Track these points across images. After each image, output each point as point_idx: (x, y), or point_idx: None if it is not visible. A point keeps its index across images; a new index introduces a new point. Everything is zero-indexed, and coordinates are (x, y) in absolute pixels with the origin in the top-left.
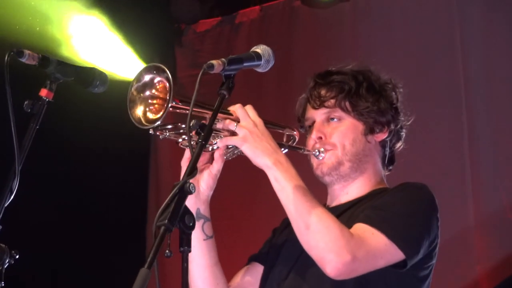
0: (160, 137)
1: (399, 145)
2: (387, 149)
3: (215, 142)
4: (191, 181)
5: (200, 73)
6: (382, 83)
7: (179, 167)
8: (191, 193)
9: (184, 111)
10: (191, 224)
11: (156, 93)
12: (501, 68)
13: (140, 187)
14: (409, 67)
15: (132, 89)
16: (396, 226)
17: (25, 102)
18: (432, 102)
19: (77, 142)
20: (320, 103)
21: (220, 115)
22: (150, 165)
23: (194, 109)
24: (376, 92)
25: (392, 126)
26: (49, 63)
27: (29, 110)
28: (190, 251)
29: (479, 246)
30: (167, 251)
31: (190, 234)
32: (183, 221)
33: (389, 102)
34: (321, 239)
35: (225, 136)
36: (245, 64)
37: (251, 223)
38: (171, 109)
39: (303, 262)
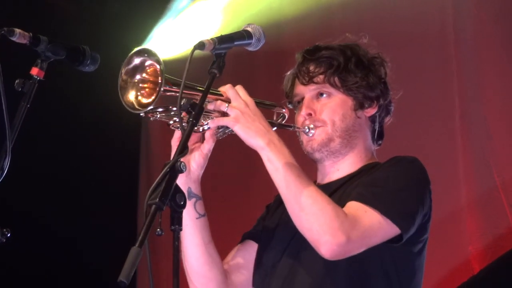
0: (151, 119)
1: (388, 119)
2: (377, 123)
3: (206, 123)
4: (182, 160)
5: (191, 51)
6: (370, 57)
7: (170, 146)
8: (182, 171)
9: (175, 94)
10: (182, 202)
11: (146, 76)
12: (492, 49)
13: (130, 166)
14: (400, 42)
15: (122, 73)
16: (389, 201)
17: (16, 81)
18: (423, 78)
19: (66, 120)
20: (309, 79)
21: (210, 96)
22: (141, 143)
23: (185, 91)
24: (365, 67)
25: (382, 101)
26: (40, 42)
27: (20, 89)
28: (181, 229)
29: (470, 226)
30: (158, 229)
31: (181, 212)
32: (174, 200)
33: (378, 77)
34: (316, 221)
35: (216, 117)
36: (236, 43)
37: (245, 200)
38: (163, 92)
39: (297, 243)
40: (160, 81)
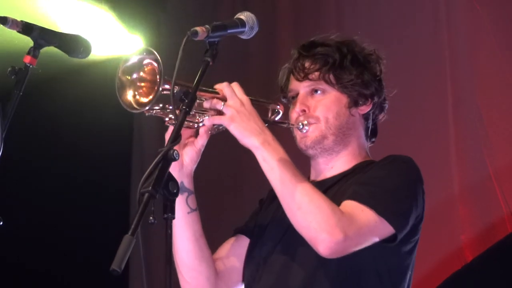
0: (146, 114)
1: (381, 116)
2: (370, 121)
3: (202, 120)
4: (174, 147)
5: (184, 39)
6: (366, 54)
7: (163, 133)
8: (175, 159)
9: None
10: (175, 191)
11: (144, 75)
12: (485, 38)
13: (123, 154)
14: (394, 36)
15: (120, 73)
16: (385, 201)
17: (9, 69)
18: (416, 68)
19: (59, 111)
20: (304, 76)
21: (206, 94)
22: (134, 132)
23: (180, 82)
24: (360, 64)
25: (376, 99)
26: (33, 30)
27: (12, 77)
28: (174, 218)
29: (463, 215)
30: (151, 218)
31: (174, 201)
32: (167, 188)
33: (373, 74)
34: (313, 219)
35: (212, 115)
36: (229, 31)
37: (237, 195)
38: (161, 92)
39: (289, 239)
40: (158, 80)
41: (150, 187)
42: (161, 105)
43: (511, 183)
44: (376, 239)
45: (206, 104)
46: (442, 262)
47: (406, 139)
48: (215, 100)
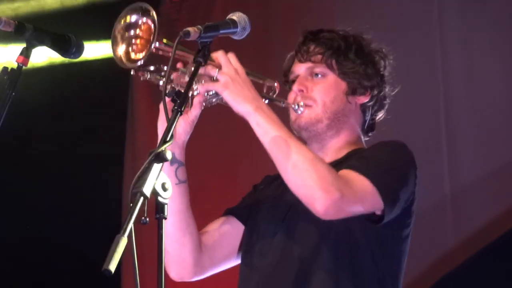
0: (141, 78)
1: (381, 114)
2: (368, 114)
3: (196, 87)
4: (168, 148)
5: (177, 40)
6: (373, 50)
7: (156, 129)
8: (167, 160)
9: (166, 54)
10: (167, 191)
11: (140, 33)
12: (478, 33)
13: (116, 150)
14: (386, 33)
15: (116, 28)
16: (379, 175)
17: (1, 69)
18: (408, 69)
19: (51, 101)
20: (306, 57)
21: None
22: (127, 127)
23: (178, 52)
24: (364, 56)
25: (375, 91)
26: (25, 30)
27: (5, 77)
28: (165, 218)
29: (454, 215)
30: (143, 218)
31: (166, 201)
32: (159, 188)
33: (376, 68)
34: (309, 176)
35: (206, 82)
36: (221, 32)
37: (231, 171)
38: (154, 50)
39: (291, 220)
40: (152, 38)
41: (142, 187)
42: (154, 67)
43: (503, 183)
44: (369, 207)
45: (200, 70)
46: (433, 264)
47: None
48: (209, 67)
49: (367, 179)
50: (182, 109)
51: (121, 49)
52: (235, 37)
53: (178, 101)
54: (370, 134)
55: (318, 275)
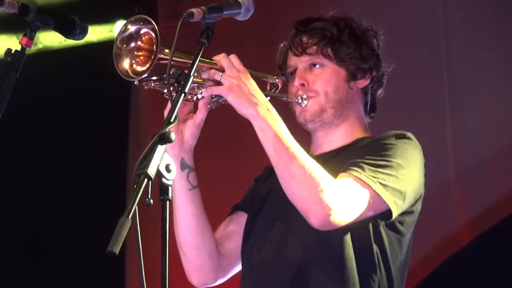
0: (145, 87)
1: (380, 92)
2: (369, 95)
3: (200, 92)
4: (172, 129)
5: (180, 21)
6: (364, 29)
7: (160, 115)
8: (171, 141)
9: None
10: (171, 172)
11: (142, 44)
12: (480, 22)
13: (120, 134)
14: (389, 17)
15: (117, 41)
16: (381, 178)
17: (5, 51)
18: (412, 55)
19: (55, 92)
20: (302, 50)
21: (204, 65)
22: (131, 113)
23: (178, 59)
24: (358, 39)
25: (374, 73)
26: (29, 11)
27: (8, 59)
28: (170, 199)
29: (459, 198)
30: (147, 199)
31: (170, 182)
32: (163, 170)
33: (371, 49)
34: (306, 190)
35: (210, 86)
36: (225, 12)
37: (237, 172)
38: (157, 60)
39: (288, 213)
40: (155, 49)
41: (146, 169)
42: (158, 77)
43: (507, 166)
44: (371, 213)
45: (204, 75)
46: (438, 246)
47: (402, 123)
48: (213, 71)
49: (368, 184)
50: (186, 90)
51: (126, 63)
52: (239, 18)
53: (182, 82)
54: (372, 115)
55: (313, 272)
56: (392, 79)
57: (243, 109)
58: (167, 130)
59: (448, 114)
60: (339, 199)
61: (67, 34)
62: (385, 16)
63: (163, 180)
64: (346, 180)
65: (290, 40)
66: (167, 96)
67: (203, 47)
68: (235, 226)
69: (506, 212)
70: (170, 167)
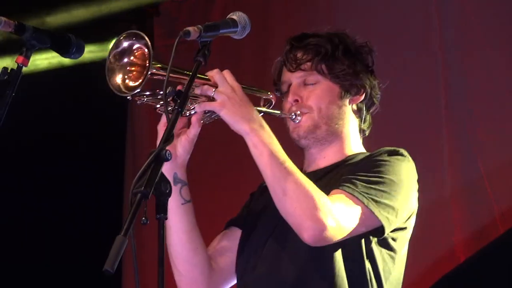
0: (138, 102)
1: (374, 108)
2: (363, 112)
3: (193, 107)
4: (167, 148)
5: (177, 39)
6: (358, 46)
7: (156, 132)
8: (167, 160)
9: (162, 78)
10: (167, 191)
11: (134, 60)
12: (477, 40)
13: (117, 153)
14: (386, 32)
15: (110, 56)
16: (374, 193)
17: (1, 69)
18: (409, 71)
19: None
20: (296, 66)
21: (197, 80)
22: (127, 131)
23: (171, 75)
24: (352, 55)
25: (368, 89)
26: (25, 30)
27: (5, 77)
28: (166, 218)
29: (455, 215)
30: (143, 218)
31: (167, 201)
32: (159, 188)
33: (365, 65)
34: (299, 206)
35: (203, 101)
36: (221, 31)
37: (231, 187)
38: (150, 76)
39: (282, 230)
40: (147, 64)
41: (143, 188)
42: (150, 92)
43: (502, 184)
44: (363, 229)
45: (197, 91)
46: (434, 263)
47: (399, 141)
48: (206, 86)
49: (360, 201)
50: (183, 109)
51: (118, 78)
52: (235, 37)
53: (179, 100)
54: (367, 132)
55: None
56: (388, 95)
57: (236, 125)
58: (164, 149)
59: (445, 131)
60: (331, 215)
61: (63, 52)
62: (381, 33)
63: (160, 199)
64: (338, 196)
65: (285, 55)
66: (160, 111)
67: (200, 66)
68: (228, 242)
69: (502, 229)
70: (166, 186)
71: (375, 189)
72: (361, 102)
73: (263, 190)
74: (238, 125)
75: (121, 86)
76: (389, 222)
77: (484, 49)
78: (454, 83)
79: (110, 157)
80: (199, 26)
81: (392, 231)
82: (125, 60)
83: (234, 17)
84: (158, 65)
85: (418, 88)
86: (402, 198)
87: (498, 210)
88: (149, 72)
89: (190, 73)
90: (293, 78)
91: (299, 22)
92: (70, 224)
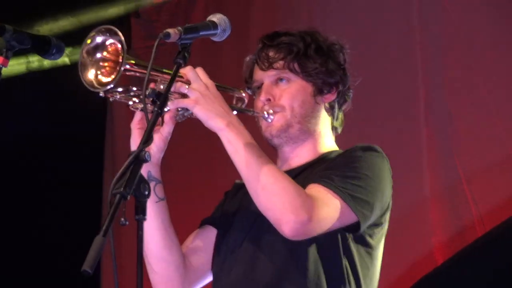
0: (110, 99)
1: (346, 106)
2: (336, 110)
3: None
4: (146, 149)
5: (156, 41)
6: (330, 44)
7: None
8: (146, 161)
9: (135, 74)
10: (146, 192)
11: (107, 55)
12: (457, 40)
13: (95, 155)
14: (366, 38)
15: (83, 51)
16: (350, 189)
17: None
18: (388, 68)
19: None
20: (268, 65)
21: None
22: (106, 132)
23: (144, 71)
24: (324, 53)
25: (341, 87)
26: (5, 31)
27: None
28: (145, 219)
29: (434, 217)
30: (122, 219)
31: (145, 202)
32: (138, 189)
33: (337, 63)
34: (278, 199)
35: (176, 98)
36: (201, 33)
37: (206, 185)
38: (123, 72)
39: (258, 229)
40: (121, 60)
41: (122, 188)
42: (123, 88)
43: (481, 187)
44: (340, 225)
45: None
46: (413, 265)
47: (378, 142)
48: (179, 84)
49: (337, 195)
50: (162, 110)
51: (91, 73)
52: (215, 39)
53: (158, 102)
54: (339, 129)
55: (283, 286)
56: (366, 96)
57: (209, 121)
58: (143, 150)
59: (424, 133)
60: (310, 208)
61: (43, 53)
62: (360, 31)
63: (139, 199)
64: (316, 190)
65: (257, 54)
66: (132, 108)
67: (179, 68)
68: (201, 241)
69: (480, 231)
70: (145, 187)
71: (351, 183)
72: (333, 100)
73: (237, 189)
74: (212, 122)
75: (94, 82)
76: (364, 217)
77: (464, 51)
78: (433, 85)
79: (88, 157)
80: (179, 28)
81: (368, 228)
82: (98, 55)
83: (214, 19)
84: (132, 61)
85: (397, 89)
86: (377, 193)
87: (476, 212)
88: (122, 68)
89: (167, 71)
90: (265, 77)
91: (280, 23)
92: (48, 225)
